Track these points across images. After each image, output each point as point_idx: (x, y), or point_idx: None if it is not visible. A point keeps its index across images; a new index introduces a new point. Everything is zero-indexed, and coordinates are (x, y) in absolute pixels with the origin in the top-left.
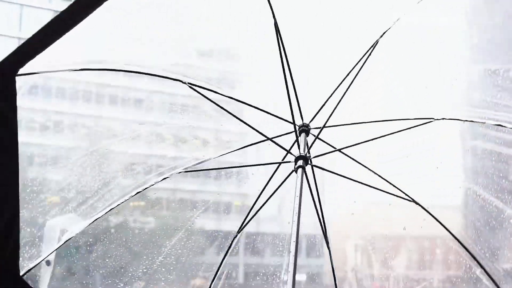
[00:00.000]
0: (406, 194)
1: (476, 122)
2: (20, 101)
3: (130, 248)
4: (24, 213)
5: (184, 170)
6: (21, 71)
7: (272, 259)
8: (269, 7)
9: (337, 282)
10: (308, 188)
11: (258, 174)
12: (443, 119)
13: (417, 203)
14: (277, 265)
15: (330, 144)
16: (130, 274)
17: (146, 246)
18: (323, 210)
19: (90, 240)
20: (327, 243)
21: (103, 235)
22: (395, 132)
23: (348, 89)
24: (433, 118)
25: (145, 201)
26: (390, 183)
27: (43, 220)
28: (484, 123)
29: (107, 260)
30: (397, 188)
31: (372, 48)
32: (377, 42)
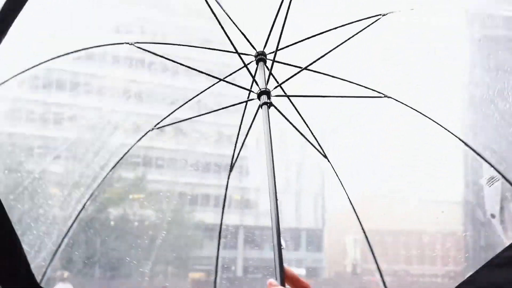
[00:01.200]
0: (378, 92)
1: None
2: None
3: (129, 241)
4: None
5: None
6: None
7: (271, 253)
8: None
9: (337, 276)
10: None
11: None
12: (389, 12)
13: (390, 97)
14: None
15: (293, 64)
16: (128, 267)
17: (145, 238)
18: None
19: (91, 232)
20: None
21: (103, 227)
22: (352, 37)
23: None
24: (381, 14)
25: (144, 194)
26: (356, 83)
27: None
28: None
29: (107, 253)
30: (364, 86)
31: None
32: None
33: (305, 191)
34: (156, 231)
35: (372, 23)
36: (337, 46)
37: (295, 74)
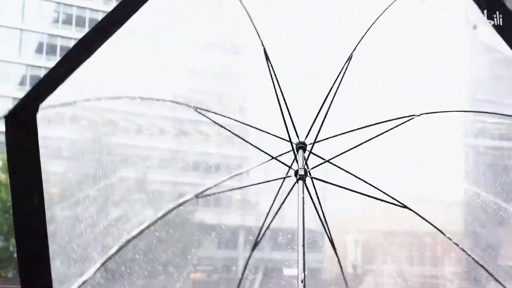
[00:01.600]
0: (397, 200)
1: (454, 111)
2: (43, 133)
3: (129, 242)
4: None
5: (200, 195)
6: (41, 106)
7: (272, 253)
8: (256, 32)
9: (337, 276)
10: (310, 199)
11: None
12: (421, 114)
13: (408, 208)
14: (278, 259)
15: (322, 157)
16: (129, 268)
17: (145, 239)
18: (325, 217)
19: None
20: (334, 248)
21: (103, 229)
22: (378, 135)
23: (333, 101)
24: (414, 115)
25: (145, 194)
26: (381, 191)
27: None
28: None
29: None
30: (387, 195)
31: (348, 61)
32: (351, 56)
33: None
34: (157, 231)
35: (404, 122)
36: (366, 141)
37: (321, 164)
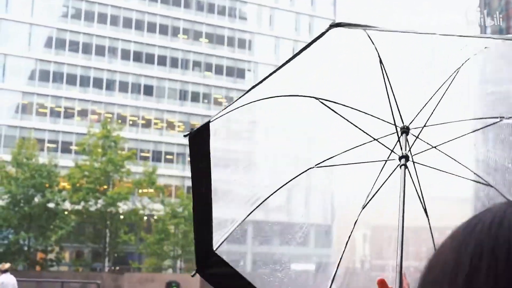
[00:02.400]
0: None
1: None
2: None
3: (138, 235)
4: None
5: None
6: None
7: (280, 248)
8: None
9: (345, 271)
10: (413, 184)
11: None
12: (510, 117)
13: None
14: (285, 254)
15: (428, 142)
16: (138, 261)
17: (154, 233)
18: (425, 203)
19: None
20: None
21: (112, 221)
22: (478, 130)
23: (444, 94)
24: (503, 117)
25: (154, 188)
26: (479, 176)
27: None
28: None
29: (116, 245)
30: (485, 181)
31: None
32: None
33: (314, 186)
34: (165, 225)
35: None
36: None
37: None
